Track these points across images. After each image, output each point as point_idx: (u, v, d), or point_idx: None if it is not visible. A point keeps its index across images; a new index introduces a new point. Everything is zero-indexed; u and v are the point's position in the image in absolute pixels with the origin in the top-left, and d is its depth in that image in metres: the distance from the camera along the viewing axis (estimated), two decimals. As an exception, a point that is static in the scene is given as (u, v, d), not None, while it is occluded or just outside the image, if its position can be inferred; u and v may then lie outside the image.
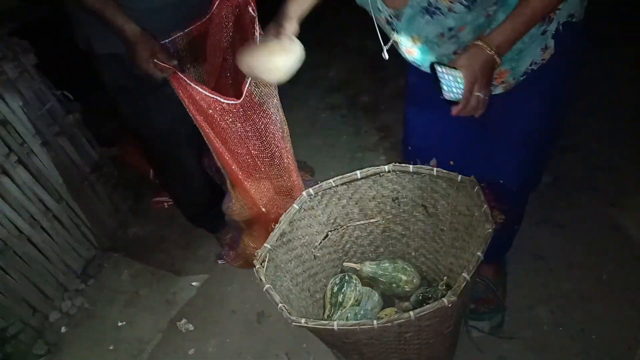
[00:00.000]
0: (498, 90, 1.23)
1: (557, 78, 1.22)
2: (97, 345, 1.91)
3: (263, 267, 1.31)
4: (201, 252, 2.21)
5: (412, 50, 1.18)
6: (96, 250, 2.28)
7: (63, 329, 2.00)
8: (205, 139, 1.57)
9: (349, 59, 3.37)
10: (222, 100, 1.46)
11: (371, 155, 2.54)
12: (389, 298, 1.63)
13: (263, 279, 1.27)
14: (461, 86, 1.04)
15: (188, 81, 1.41)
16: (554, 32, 1.14)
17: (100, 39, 1.52)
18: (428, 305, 1.04)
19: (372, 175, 1.49)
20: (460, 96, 1.04)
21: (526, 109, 1.27)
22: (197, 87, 1.42)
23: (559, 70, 1.20)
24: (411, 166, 1.45)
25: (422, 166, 1.43)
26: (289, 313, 1.16)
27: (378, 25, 1.20)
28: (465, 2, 1.01)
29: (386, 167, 1.47)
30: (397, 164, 1.48)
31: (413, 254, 1.66)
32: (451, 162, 1.46)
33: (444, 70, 1.03)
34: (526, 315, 1.61)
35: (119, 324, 1.97)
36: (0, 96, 1.84)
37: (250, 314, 1.86)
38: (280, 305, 1.18)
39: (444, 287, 1.46)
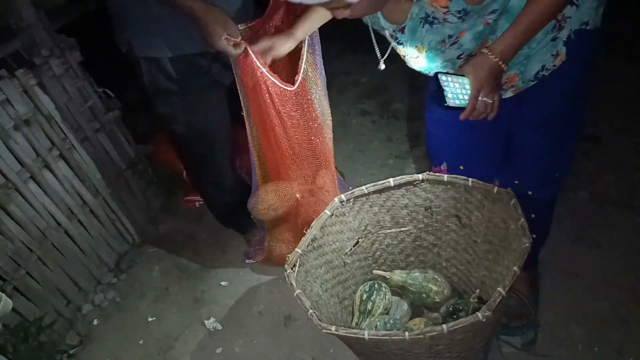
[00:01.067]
0: (508, 94, 1.27)
1: (570, 83, 1.24)
2: (127, 338, 1.95)
3: (294, 272, 1.31)
4: (230, 251, 2.24)
5: (418, 60, 1.23)
6: (128, 246, 2.34)
7: (95, 321, 2.05)
8: (249, 126, 1.57)
9: (382, 66, 3.36)
10: (280, 84, 1.48)
11: (402, 163, 2.52)
12: (418, 308, 1.62)
13: (294, 283, 1.27)
14: (468, 92, 1.12)
15: (255, 59, 1.40)
16: (565, 39, 1.17)
17: (141, 42, 1.55)
18: (462, 319, 1.03)
19: (405, 183, 1.48)
20: (465, 101, 1.11)
21: (540, 113, 1.30)
22: (262, 67, 1.42)
23: (572, 75, 1.22)
24: (445, 176, 1.43)
25: (457, 176, 1.41)
26: (319, 319, 1.16)
27: (375, 40, 1.28)
28: (457, 15, 1.06)
29: (420, 176, 1.46)
30: (431, 173, 1.47)
31: (444, 264, 1.64)
32: (461, 167, 1.46)
33: (449, 78, 1.11)
34: (560, 334, 1.57)
35: (149, 319, 2.01)
36: (46, 92, 1.91)
37: (277, 317, 1.86)
38: (310, 311, 1.18)
39: (476, 300, 1.43)
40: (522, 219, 1.23)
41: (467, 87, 1.12)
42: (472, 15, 1.07)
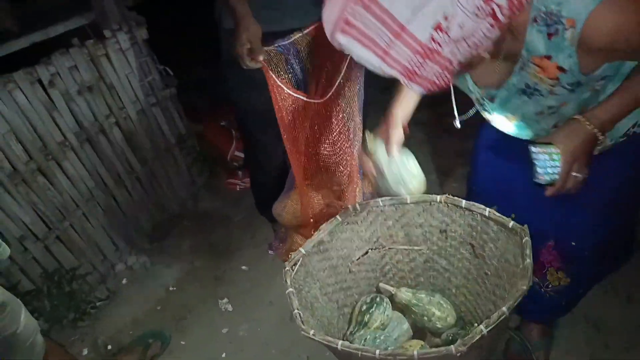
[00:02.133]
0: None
1: None
2: (148, 302, 2.09)
3: (292, 271, 1.34)
4: (258, 238, 2.31)
5: (507, 125, 1.11)
6: (167, 216, 2.48)
7: (124, 281, 2.20)
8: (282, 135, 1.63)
9: (447, 77, 3.28)
10: (304, 99, 1.52)
11: (443, 180, 2.46)
12: (422, 330, 1.59)
13: (288, 281, 1.30)
14: (557, 164, 0.97)
15: (274, 77, 1.48)
16: None
17: (226, 15, 1.64)
18: (434, 349, 1.01)
19: (422, 202, 1.46)
20: (556, 176, 0.97)
21: (617, 173, 1.16)
22: (282, 85, 1.49)
23: None
24: (463, 201, 1.39)
25: (475, 204, 1.37)
26: (301, 321, 1.18)
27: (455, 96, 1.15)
28: (568, 87, 0.93)
29: (438, 197, 1.43)
30: (451, 196, 1.43)
31: (454, 291, 1.59)
32: (513, 215, 1.34)
33: (538, 150, 0.97)
34: (565, 385, 1.49)
35: (170, 288, 2.13)
36: (111, 63, 2.06)
37: (285, 310, 1.90)
38: (295, 311, 1.20)
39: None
40: (529, 260, 1.17)
41: (556, 158, 0.96)
42: (582, 85, 0.94)
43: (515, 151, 1.23)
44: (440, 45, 0.73)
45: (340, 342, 1.08)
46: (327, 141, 1.74)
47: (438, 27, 0.72)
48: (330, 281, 1.51)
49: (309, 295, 1.41)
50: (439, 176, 2.48)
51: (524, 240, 1.23)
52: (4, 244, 0.99)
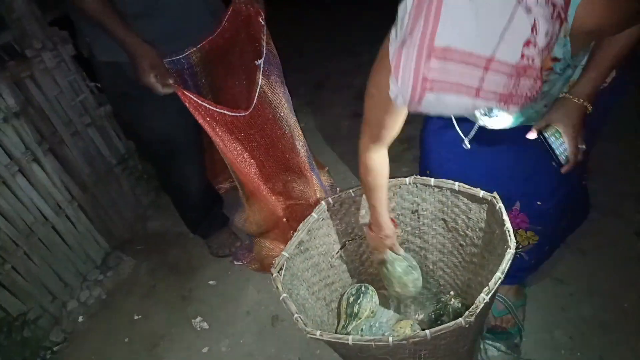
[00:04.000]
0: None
1: (610, 100, 1.22)
2: (112, 336, 1.94)
3: (280, 276, 1.31)
4: (219, 250, 2.23)
5: (507, 120, 1.16)
6: (116, 242, 2.32)
7: (80, 319, 2.04)
8: (220, 152, 1.59)
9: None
10: (229, 113, 1.49)
11: (393, 166, 2.48)
12: (404, 310, 1.62)
13: (280, 287, 1.27)
14: (562, 141, 1.08)
15: (194, 97, 1.43)
16: None
17: (101, 46, 1.52)
18: (445, 325, 1.03)
19: (392, 186, 1.49)
20: (567, 153, 1.08)
21: None
22: (204, 103, 1.45)
23: (614, 92, 1.21)
24: (432, 179, 1.45)
25: (444, 180, 1.42)
26: (304, 324, 1.16)
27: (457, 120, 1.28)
28: (559, 72, 1.01)
29: (407, 180, 1.48)
30: (418, 176, 1.48)
31: (431, 267, 1.64)
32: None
33: (548, 135, 1.08)
34: (544, 338, 1.58)
35: (135, 317, 2.00)
36: (37, 84, 1.89)
37: (264, 317, 1.86)
38: (295, 315, 1.18)
39: (453, 303, 1.45)
40: (507, 224, 1.23)
41: (557, 136, 1.08)
42: (571, 65, 1.03)
43: (465, 130, 1.32)
44: (532, 60, 0.71)
45: (350, 337, 1.07)
46: (263, 148, 1.73)
47: (527, 43, 0.70)
48: (315, 279, 1.50)
49: (299, 297, 1.38)
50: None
51: (497, 207, 1.30)
52: None
